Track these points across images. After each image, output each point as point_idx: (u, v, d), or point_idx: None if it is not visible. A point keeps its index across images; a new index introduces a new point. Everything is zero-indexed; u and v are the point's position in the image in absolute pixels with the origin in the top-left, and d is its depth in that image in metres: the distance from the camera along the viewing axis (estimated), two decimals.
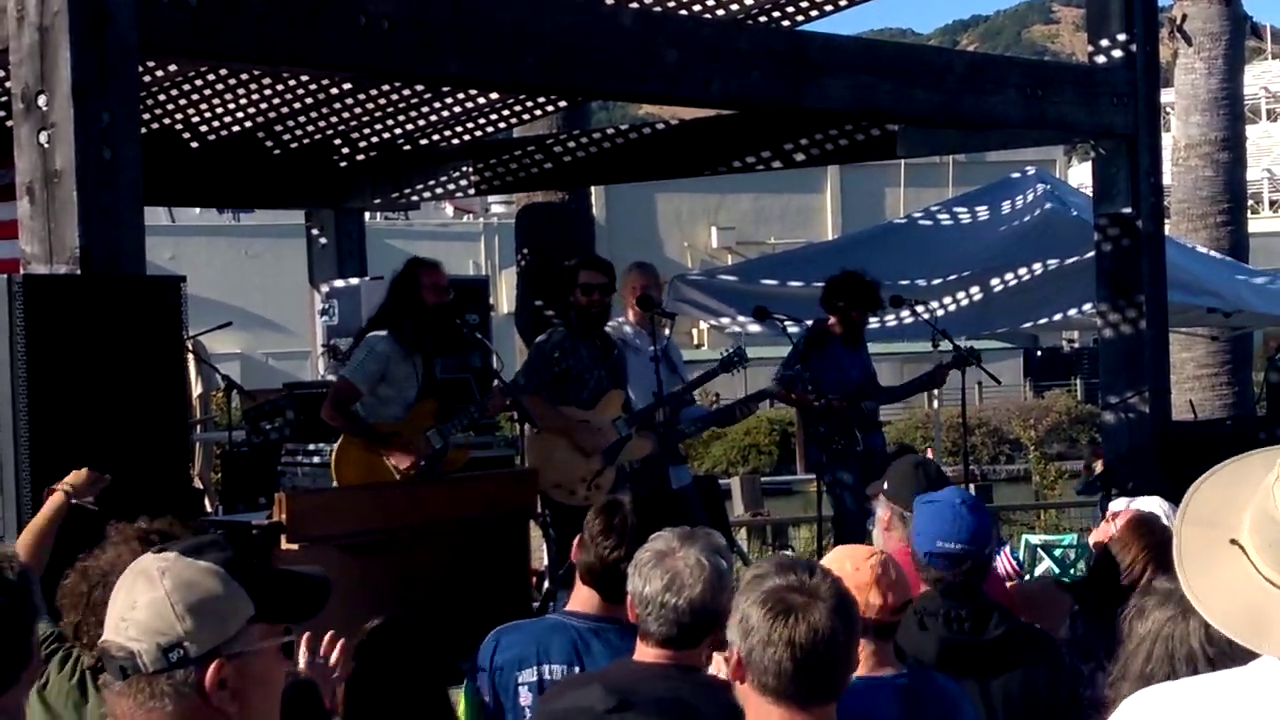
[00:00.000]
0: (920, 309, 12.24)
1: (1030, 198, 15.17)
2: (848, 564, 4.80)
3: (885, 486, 6.82)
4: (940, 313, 13.77)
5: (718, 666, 4.49)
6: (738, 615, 3.72)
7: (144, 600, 3.05)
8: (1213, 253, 17.34)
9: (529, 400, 9.98)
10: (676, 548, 4.60)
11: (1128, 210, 11.38)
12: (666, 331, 10.78)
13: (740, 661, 3.70)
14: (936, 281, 14.30)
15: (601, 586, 5.10)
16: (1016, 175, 16.05)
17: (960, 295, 14.40)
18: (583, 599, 5.31)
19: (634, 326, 10.55)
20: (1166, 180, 13.19)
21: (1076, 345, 46.77)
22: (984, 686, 5.33)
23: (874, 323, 13.73)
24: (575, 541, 5.43)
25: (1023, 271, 14.07)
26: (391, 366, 9.34)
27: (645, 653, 4.65)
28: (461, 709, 5.25)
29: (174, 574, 3.07)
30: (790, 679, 3.61)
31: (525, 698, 5.17)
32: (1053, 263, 13.78)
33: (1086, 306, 12.73)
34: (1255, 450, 3.05)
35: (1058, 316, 14.78)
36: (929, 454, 20.85)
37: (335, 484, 9.29)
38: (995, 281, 14.28)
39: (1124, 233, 11.39)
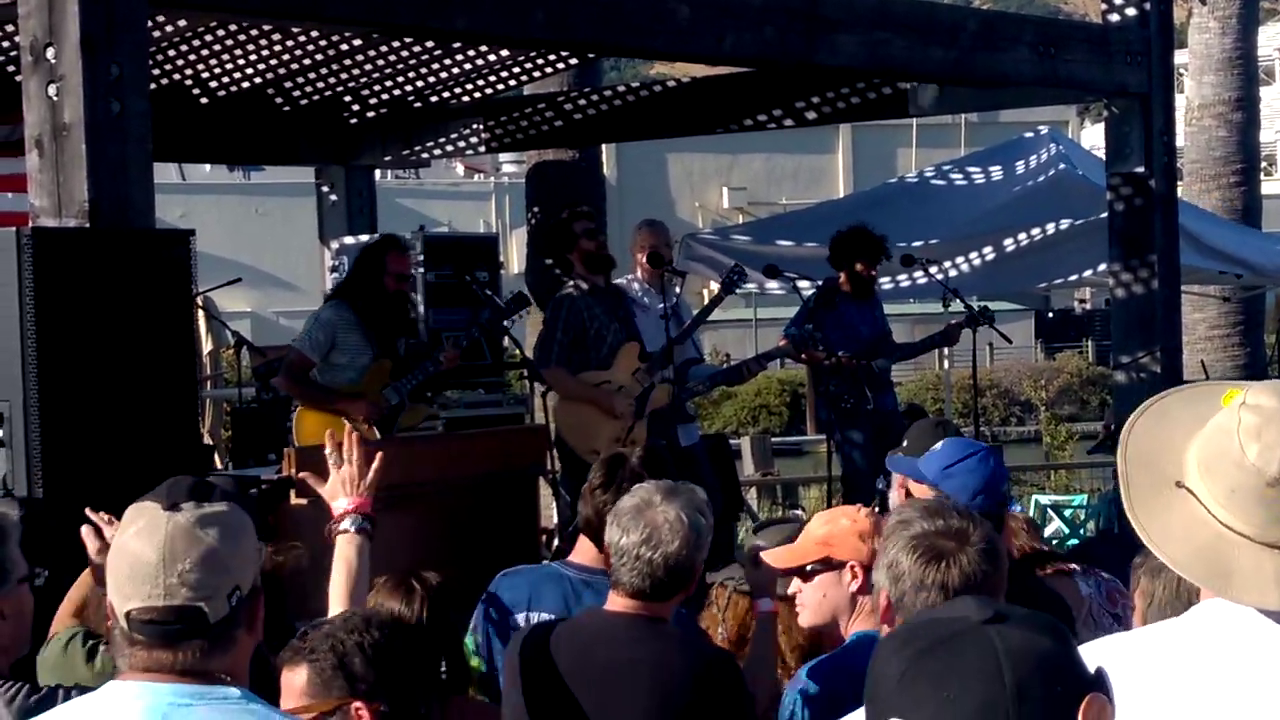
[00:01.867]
0: (932, 268, 12.21)
1: (1044, 157, 15.11)
2: (844, 520, 4.83)
3: (904, 444, 6.81)
4: (952, 273, 13.75)
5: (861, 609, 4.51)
6: (886, 560, 3.74)
7: (196, 556, 3.06)
8: (1226, 221, 17.30)
9: (549, 374, 9.98)
10: (657, 501, 4.61)
11: (1140, 170, 11.33)
12: (677, 289, 10.77)
13: (890, 605, 3.71)
14: (948, 241, 14.26)
15: (598, 539, 5.10)
16: (1030, 135, 15.98)
17: (972, 255, 14.37)
18: (582, 550, 5.35)
19: (643, 284, 10.53)
20: (1180, 141, 13.14)
21: (1088, 307, 46.71)
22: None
23: (885, 282, 13.71)
24: (581, 492, 5.47)
25: (1035, 231, 14.03)
26: (339, 334, 9.61)
27: (615, 602, 4.66)
28: (464, 648, 5.28)
29: (207, 524, 3.09)
30: None
31: None
32: (1065, 223, 13.74)
33: (1100, 267, 12.69)
34: (1173, 390, 3.05)
35: (1072, 277, 14.74)
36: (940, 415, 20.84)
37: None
38: (1008, 241, 14.25)
39: (1136, 192, 11.34)
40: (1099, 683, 2.20)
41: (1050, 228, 13.85)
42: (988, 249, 14.37)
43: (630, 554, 4.57)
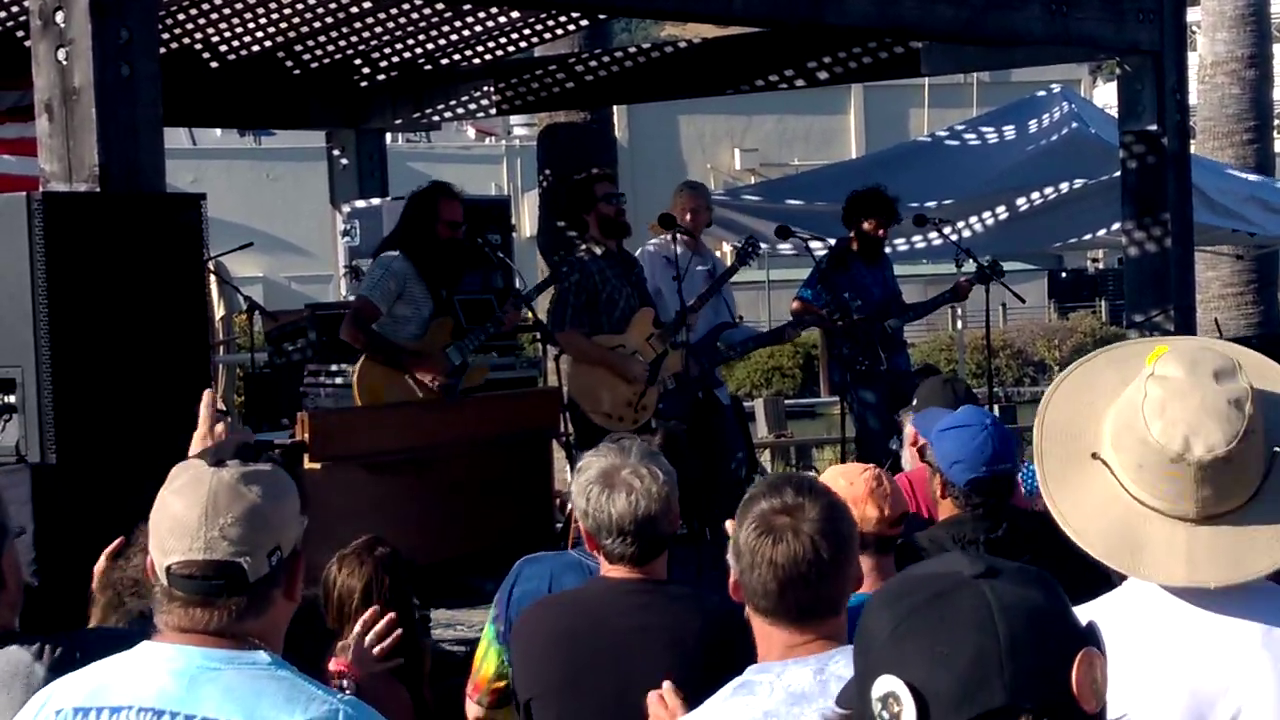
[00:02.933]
0: (945, 229, 12.19)
1: (1057, 116, 15.06)
2: (841, 480, 4.82)
3: (914, 403, 6.82)
4: (965, 233, 13.71)
5: None
6: (733, 539, 3.71)
7: (238, 511, 3.05)
8: (1242, 174, 17.22)
9: (563, 337, 9.96)
10: (619, 464, 4.57)
11: (1153, 128, 11.29)
12: (717, 254, 10.84)
13: (736, 585, 3.69)
14: (961, 200, 14.23)
15: None
16: (1042, 94, 15.93)
17: (985, 215, 14.33)
18: None
19: (684, 247, 10.55)
20: (1192, 99, 13.10)
21: (1101, 266, 46.61)
22: None
23: (900, 243, 13.68)
24: None
25: (1049, 190, 13.99)
26: (408, 285, 9.32)
27: (614, 570, 4.63)
28: (486, 635, 5.28)
29: (251, 481, 3.09)
30: (777, 599, 3.59)
31: None
32: (1080, 182, 13.69)
33: (1114, 226, 12.66)
34: (1099, 350, 3.01)
35: (1085, 236, 14.70)
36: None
37: (358, 403, 9.28)
38: (1020, 201, 14.21)
39: (1149, 150, 11.31)
40: (1092, 637, 2.17)
41: (1064, 186, 13.81)
42: (1001, 208, 14.33)
43: (621, 524, 4.54)
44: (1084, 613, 2.90)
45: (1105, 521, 2.85)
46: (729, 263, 11.30)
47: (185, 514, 3.06)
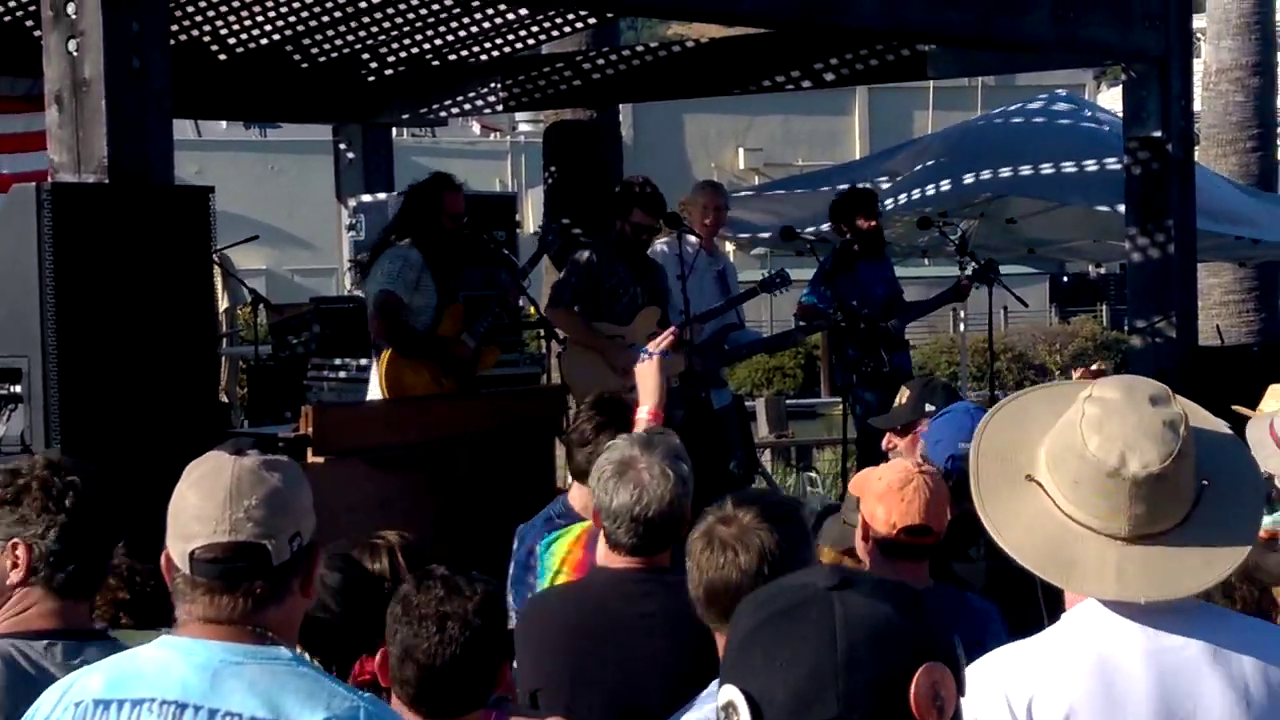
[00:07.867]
0: (949, 230, 12.20)
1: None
2: (875, 474, 4.85)
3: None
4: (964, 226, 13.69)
5: None
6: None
7: (261, 494, 3.10)
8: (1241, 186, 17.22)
9: (562, 314, 10.00)
10: (638, 456, 4.65)
11: (1158, 134, 11.33)
12: (731, 254, 10.87)
13: None
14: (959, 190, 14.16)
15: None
16: (1045, 96, 15.90)
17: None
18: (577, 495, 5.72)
19: (694, 247, 10.56)
20: (1196, 105, 13.12)
21: (1103, 271, 46.60)
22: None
23: (900, 197, 13.63)
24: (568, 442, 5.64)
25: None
26: (422, 275, 9.35)
27: (615, 560, 4.70)
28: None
29: (271, 468, 3.14)
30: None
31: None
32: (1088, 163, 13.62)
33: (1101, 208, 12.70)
34: (1035, 388, 3.17)
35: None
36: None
37: (385, 396, 9.29)
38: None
39: (1154, 156, 11.34)
40: (944, 652, 2.15)
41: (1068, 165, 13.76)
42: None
43: (624, 516, 4.61)
44: (1031, 645, 3.00)
45: (1038, 538, 2.95)
46: (734, 261, 11.31)
47: (208, 499, 3.09)
